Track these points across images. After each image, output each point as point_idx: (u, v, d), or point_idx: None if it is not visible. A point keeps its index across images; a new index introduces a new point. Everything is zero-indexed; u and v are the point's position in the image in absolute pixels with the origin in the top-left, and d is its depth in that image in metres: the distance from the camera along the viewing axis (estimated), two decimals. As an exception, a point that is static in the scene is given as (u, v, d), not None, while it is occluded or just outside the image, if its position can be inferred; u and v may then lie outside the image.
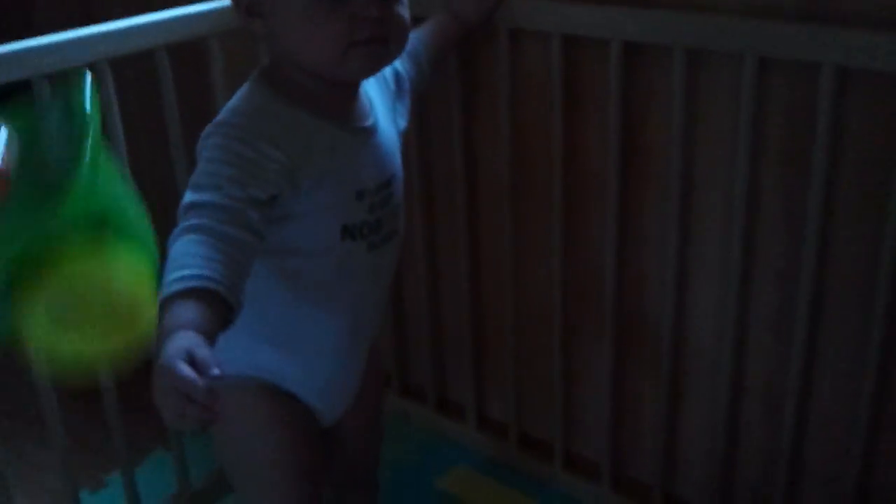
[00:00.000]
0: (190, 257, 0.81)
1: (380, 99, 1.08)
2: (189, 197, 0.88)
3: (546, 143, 1.35)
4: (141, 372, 1.48)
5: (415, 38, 1.16)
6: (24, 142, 0.54)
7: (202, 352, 0.72)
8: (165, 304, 0.77)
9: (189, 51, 1.32)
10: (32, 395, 1.28)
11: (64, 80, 0.58)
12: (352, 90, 1.02)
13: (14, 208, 0.50)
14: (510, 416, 1.58)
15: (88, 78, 0.57)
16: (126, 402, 1.39)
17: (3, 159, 0.51)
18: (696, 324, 1.32)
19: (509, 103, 1.37)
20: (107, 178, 0.54)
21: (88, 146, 0.54)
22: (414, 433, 1.69)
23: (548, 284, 1.44)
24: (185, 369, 0.70)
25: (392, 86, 1.13)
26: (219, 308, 0.80)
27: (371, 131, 1.03)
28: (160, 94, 1.32)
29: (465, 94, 1.43)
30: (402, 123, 1.13)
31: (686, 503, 1.44)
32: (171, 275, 0.79)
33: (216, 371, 0.71)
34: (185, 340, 0.73)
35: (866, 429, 1.17)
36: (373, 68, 1.00)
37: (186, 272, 0.79)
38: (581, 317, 1.45)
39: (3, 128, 0.53)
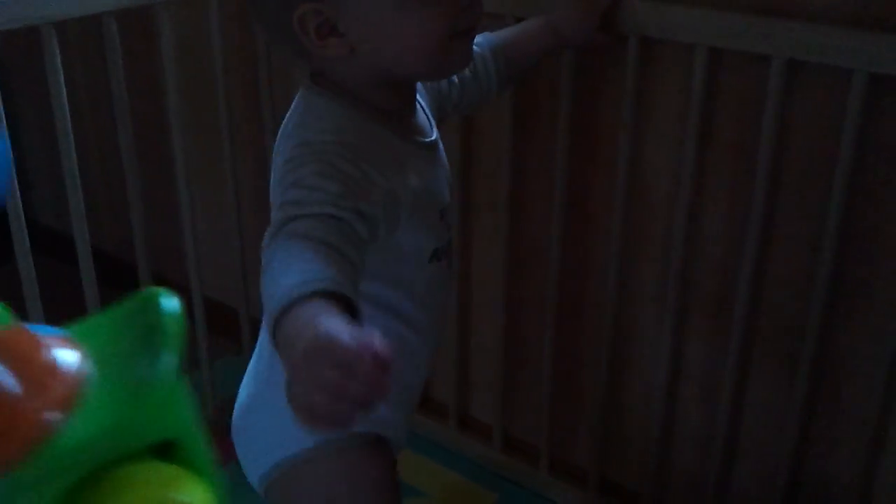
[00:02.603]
0: (305, 262, 0.70)
1: (428, 105, 0.99)
2: (289, 211, 0.76)
3: (498, 128, 1.36)
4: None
5: (493, 38, 1.09)
6: (97, 360, 0.53)
7: (354, 329, 0.60)
8: (290, 308, 0.66)
9: (137, 18, 1.30)
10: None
11: (147, 298, 0.56)
12: (414, 103, 0.94)
13: (85, 428, 0.49)
14: (451, 398, 1.59)
15: (175, 302, 0.55)
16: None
17: (73, 381, 0.50)
18: (637, 309, 1.34)
19: (461, 85, 1.37)
20: (181, 402, 0.53)
21: (165, 370, 0.52)
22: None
23: (493, 266, 1.45)
24: (346, 337, 0.59)
25: (444, 86, 1.04)
26: (350, 314, 0.68)
27: (436, 145, 0.95)
28: (106, 61, 1.29)
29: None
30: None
31: (622, 487, 1.46)
32: (287, 279, 0.68)
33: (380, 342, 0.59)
34: (330, 322, 0.62)
35: (800, 416, 1.20)
36: (469, 60, 0.91)
37: (307, 276, 0.68)
38: (524, 300, 1.46)
39: (75, 350, 0.53)
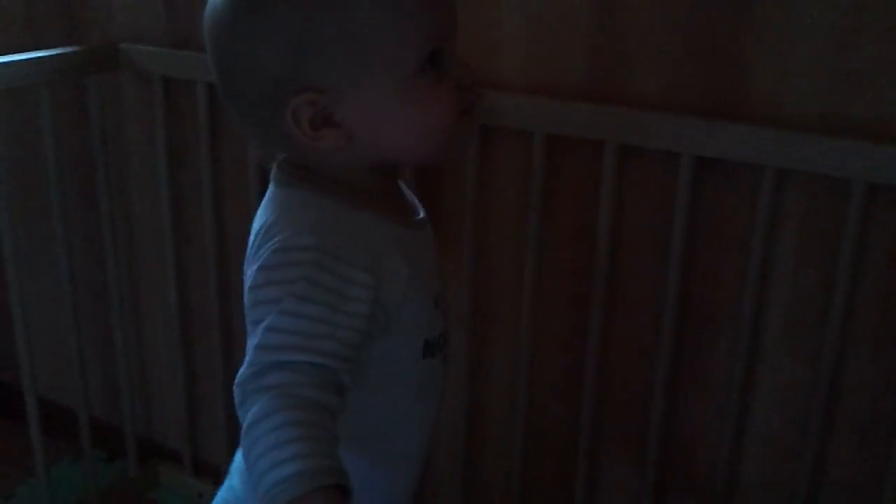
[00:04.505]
0: (297, 443, 0.68)
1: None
2: (271, 354, 0.72)
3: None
4: None
5: None
6: None
7: None
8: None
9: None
10: None
11: None
12: (398, 181, 0.91)
13: None
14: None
15: None
16: None
17: None
18: (491, 394, 1.35)
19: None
20: None
21: None
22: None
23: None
24: None
25: None
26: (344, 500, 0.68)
27: (426, 223, 0.90)
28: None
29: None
30: None
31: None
32: (280, 467, 0.67)
33: None
34: None
35: (652, 491, 1.23)
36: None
37: (303, 466, 0.67)
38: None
39: None
